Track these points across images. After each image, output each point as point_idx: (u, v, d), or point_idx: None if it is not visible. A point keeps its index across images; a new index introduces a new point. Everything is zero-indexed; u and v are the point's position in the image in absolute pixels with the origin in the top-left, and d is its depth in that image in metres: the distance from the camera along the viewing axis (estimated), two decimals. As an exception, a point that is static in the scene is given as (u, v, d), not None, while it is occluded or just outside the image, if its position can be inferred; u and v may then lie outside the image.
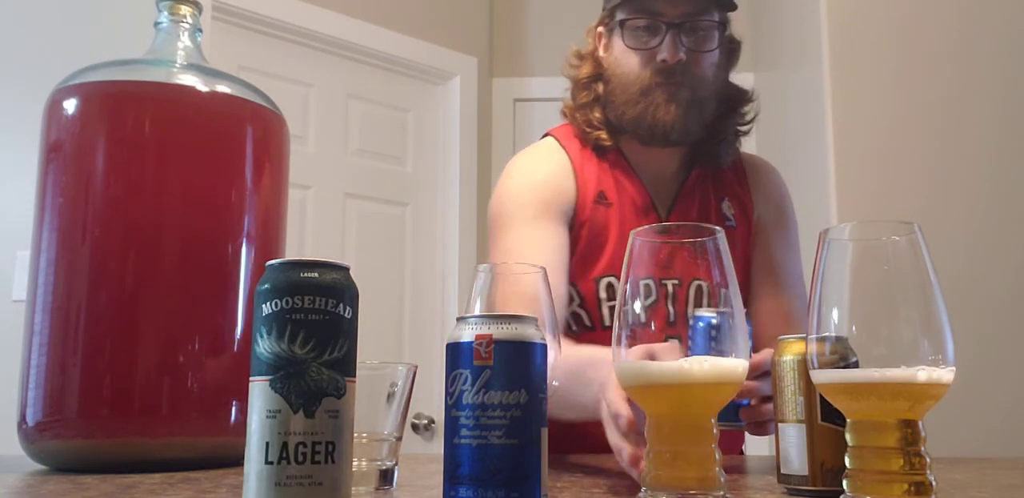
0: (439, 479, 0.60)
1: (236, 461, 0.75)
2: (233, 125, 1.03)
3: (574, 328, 1.28)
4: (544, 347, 0.62)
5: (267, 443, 0.56)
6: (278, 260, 0.60)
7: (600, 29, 1.34)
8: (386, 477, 0.75)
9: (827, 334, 0.61)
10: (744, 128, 1.36)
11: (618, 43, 1.28)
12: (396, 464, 0.77)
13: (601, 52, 1.33)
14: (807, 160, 2.59)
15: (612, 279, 1.29)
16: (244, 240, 1.01)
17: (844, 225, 0.63)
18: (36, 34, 2.27)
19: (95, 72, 1.01)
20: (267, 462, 0.55)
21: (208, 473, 0.88)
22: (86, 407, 0.92)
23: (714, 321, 0.64)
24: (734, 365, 0.64)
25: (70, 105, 0.99)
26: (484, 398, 0.58)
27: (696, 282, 1.29)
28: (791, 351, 0.72)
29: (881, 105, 2.38)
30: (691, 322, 0.65)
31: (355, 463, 0.70)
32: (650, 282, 1.27)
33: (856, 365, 0.59)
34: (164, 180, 0.98)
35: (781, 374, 0.73)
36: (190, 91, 1.02)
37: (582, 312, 1.28)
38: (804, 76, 2.62)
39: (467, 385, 0.59)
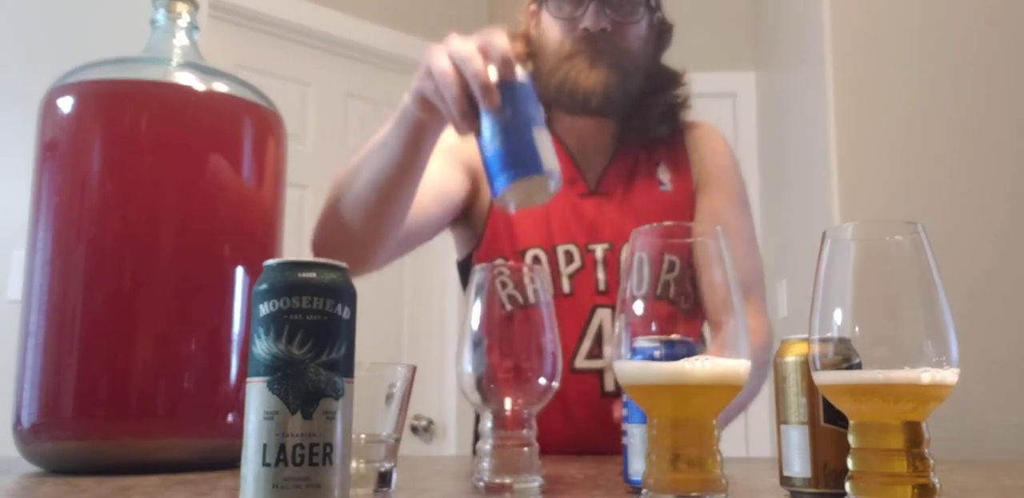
0: (438, 481, 0.60)
1: (233, 463, 0.75)
2: (230, 124, 1.03)
3: (508, 307, 1.27)
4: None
5: (264, 445, 0.55)
6: (276, 260, 0.59)
7: (532, 7, 1.34)
8: (384, 479, 0.74)
9: (829, 335, 0.60)
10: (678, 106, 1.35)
11: (545, 15, 1.29)
12: (395, 466, 0.76)
13: (532, 30, 1.34)
14: (809, 159, 2.59)
15: (538, 251, 1.28)
16: (241, 240, 1.00)
17: (846, 225, 0.62)
18: (32, 32, 2.26)
19: (91, 70, 1.01)
20: (264, 464, 0.55)
21: (205, 475, 0.87)
22: (82, 408, 0.91)
23: (656, 353, 0.62)
24: (736, 365, 0.63)
25: (66, 104, 0.98)
26: None
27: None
28: (793, 352, 0.72)
29: (884, 104, 2.37)
30: (630, 356, 0.63)
31: (353, 465, 0.69)
32: (571, 248, 1.27)
33: (859, 366, 0.59)
34: (160, 179, 0.97)
35: (784, 375, 0.72)
36: (187, 90, 1.01)
37: (515, 292, 1.27)
38: (806, 75, 2.62)
39: None
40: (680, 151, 1.35)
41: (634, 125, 1.32)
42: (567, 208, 1.29)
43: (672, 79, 1.35)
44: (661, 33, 1.35)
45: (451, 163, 1.28)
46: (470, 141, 1.26)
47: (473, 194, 1.31)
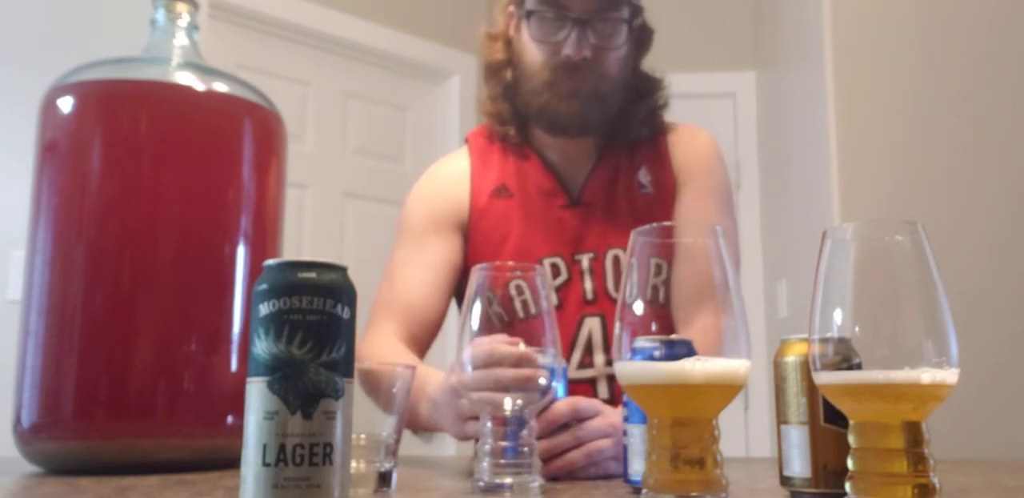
0: (438, 481, 0.60)
1: (233, 463, 0.75)
2: (230, 124, 1.03)
3: (496, 325, 1.27)
4: None
5: (264, 445, 0.55)
6: (276, 260, 0.59)
7: (511, 8, 1.32)
8: (384, 479, 0.74)
9: (830, 335, 0.60)
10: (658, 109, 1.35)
11: (525, 31, 1.27)
12: (395, 466, 0.76)
13: (511, 32, 1.32)
14: (810, 159, 2.59)
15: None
16: (241, 240, 1.00)
17: (847, 225, 0.62)
18: (32, 32, 2.26)
19: (91, 70, 1.01)
20: (264, 464, 0.55)
21: (205, 475, 0.87)
22: (82, 408, 0.91)
23: (656, 353, 0.62)
24: (736, 366, 0.63)
25: (65, 104, 0.98)
26: None
27: (612, 251, 1.27)
28: (794, 352, 0.72)
29: (884, 103, 2.37)
30: (628, 356, 0.63)
31: (353, 465, 0.69)
32: (557, 260, 1.26)
33: (859, 366, 0.59)
34: (160, 179, 0.97)
35: (784, 375, 0.72)
36: (186, 90, 1.01)
37: (500, 310, 1.27)
38: (806, 75, 2.62)
39: None
40: (661, 152, 1.34)
41: (616, 134, 1.32)
42: (550, 221, 1.29)
43: (652, 86, 1.34)
44: (642, 42, 1.33)
45: (443, 236, 1.31)
46: (448, 200, 1.33)
47: (464, 239, 1.33)
